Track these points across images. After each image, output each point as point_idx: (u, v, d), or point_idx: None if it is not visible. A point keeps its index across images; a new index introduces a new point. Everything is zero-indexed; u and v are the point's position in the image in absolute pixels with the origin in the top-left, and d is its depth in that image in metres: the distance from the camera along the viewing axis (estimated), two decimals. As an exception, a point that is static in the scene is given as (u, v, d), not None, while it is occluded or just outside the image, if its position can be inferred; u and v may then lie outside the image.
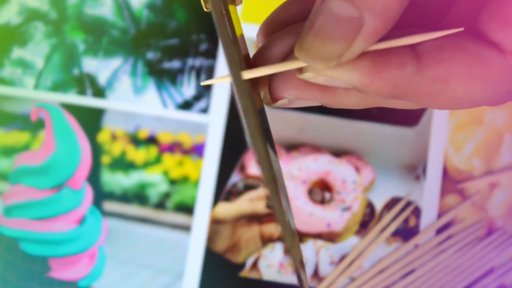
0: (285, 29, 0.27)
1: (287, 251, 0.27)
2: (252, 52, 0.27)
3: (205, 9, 0.26)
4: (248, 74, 0.24)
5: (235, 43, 0.23)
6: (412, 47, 0.24)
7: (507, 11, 0.24)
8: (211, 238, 0.54)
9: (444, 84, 0.24)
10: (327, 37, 0.22)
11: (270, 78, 0.26)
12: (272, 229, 0.54)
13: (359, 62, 0.23)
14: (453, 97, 0.25)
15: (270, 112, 0.56)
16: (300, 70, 0.24)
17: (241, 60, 0.24)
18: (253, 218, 0.54)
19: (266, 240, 0.54)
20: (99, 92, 0.56)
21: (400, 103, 0.27)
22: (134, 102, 0.56)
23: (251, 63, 0.27)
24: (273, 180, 0.23)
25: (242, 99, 0.23)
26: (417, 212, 0.54)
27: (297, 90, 0.25)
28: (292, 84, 0.25)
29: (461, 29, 0.24)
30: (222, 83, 0.56)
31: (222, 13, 0.22)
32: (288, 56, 0.25)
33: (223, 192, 0.55)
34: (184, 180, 0.55)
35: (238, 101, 0.23)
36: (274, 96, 0.25)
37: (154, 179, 0.55)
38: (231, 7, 0.26)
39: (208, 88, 0.56)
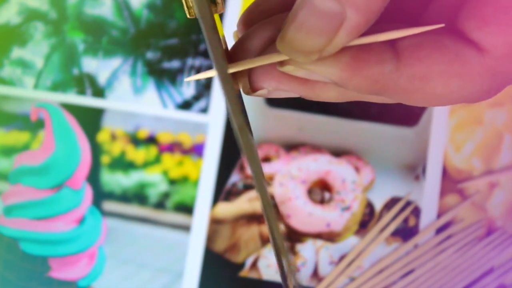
0: (265, 20, 0.27)
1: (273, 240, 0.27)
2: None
3: (188, 16, 0.26)
4: (232, 69, 0.24)
5: (219, 40, 0.23)
6: (392, 44, 0.24)
7: (485, 10, 0.24)
8: (211, 238, 0.54)
9: (422, 82, 0.24)
10: (309, 31, 0.22)
11: (250, 69, 0.26)
12: (271, 229, 0.54)
13: (339, 58, 0.23)
14: (432, 95, 0.25)
15: (270, 112, 0.56)
16: (281, 63, 0.24)
17: (224, 55, 0.24)
18: (253, 218, 0.54)
19: (266, 240, 0.54)
20: (99, 92, 0.56)
21: (378, 98, 0.27)
22: (134, 102, 0.56)
23: (230, 55, 0.27)
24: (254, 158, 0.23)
25: (227, 90, 0.23)
26: (416, 212, 0.54)
27: (276, 81, 0.25)
28: (272, 75, 0.25)
29: (442, 25, 0.24)
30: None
31: (208, 13, 0.22)
32: (268, 48, 0.25)
33: (222, 192, 0.55)
34: (184, 180, 0.55)
35: (223, 92, 0.23)
36: (254, 86, 0.25)
37: (154, 179, 0.55)
38: (215, 15, 0.26)
39: (208, 88, 0.56)
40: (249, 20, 0.27)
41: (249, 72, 0.26)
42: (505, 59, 0.25)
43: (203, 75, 0.26)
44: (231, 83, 0.23)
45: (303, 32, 0.22)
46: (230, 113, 0.23)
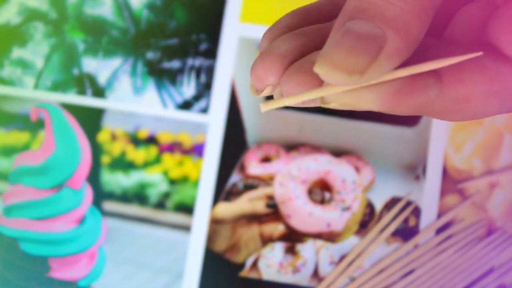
0: (290, 32, 0.26)
1: None
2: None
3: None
4: (265, 107, 0.24)
5: None
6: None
7: None
8: (211, 238, 0.54)
9: (465, 104, 0.24)
10: (351, 50, 0.22)
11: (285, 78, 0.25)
12: (271, 228, 0.54)
13: (382, 88, 0.23)
14: (472, 114, 0.25)
15: (270, 112, 0.56)
16: (323, 99, 0.24)
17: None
18: (253, 218, 0.54)
19: (266, 240, 0.54)
20: (99, 92, 0.56)
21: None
22: (134, 102, 0.56)
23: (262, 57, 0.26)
24: None
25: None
26: (417, 212, 0.54)
27: (351, 98, 0.24)
28: (304, 83, 0.24)
29: (480, 53, 0.24)
30: (222, 83, 0.56)
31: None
32: (300, 63, 0.25)
33: (223, 192, 0.55)
34: (184, 180, 0.55)
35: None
36: (327, 100, 0.25)
37: (154, 179, 0.55)
38: None
39: (208, 88, 0.56)
40: (272, 36, 0.27)
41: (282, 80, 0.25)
42: None
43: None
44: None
45: (345, 52, 0.22)
46: None
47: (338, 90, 0.23)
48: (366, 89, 0.23)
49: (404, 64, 0.23)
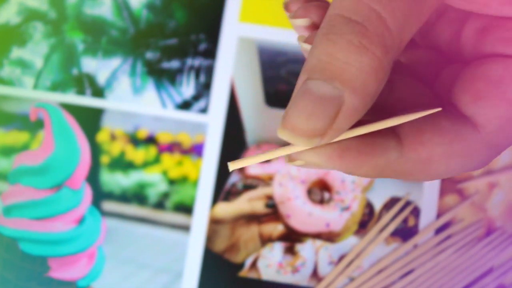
0: None
1: None
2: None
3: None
4: (233, 166, 0.25)
5: None
6: (393, 130, 0.25)
7: (478, 85, 0.25)
8: (210, 238, 0.54)
9: (426, 165, 0.25)
10: (310, 115, 0.23)
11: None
12: (271, 229, 0.54)
13: (345, 152, 0.24)
14: (434, 175, 0.26)
15: (269, 112, 0.56)
16: (290, 157, 0.25)
17: None
18: (252, 218, 0.54)
19: (265, 240, 0.54)
20: (98, 92, 0.56)
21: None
22: (133, 102, 0.56)
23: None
24: None
25: None
26: (416, 212, 0.54)
27: (315, 157, 0.25)
28: (312, 150, 0.25)
29: (439, 109, 0.25)
30: (221, 83, 0.56)
31: None
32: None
33: (222, 192, 0.55)
34: (183, 180, 0.55)
35: None
36: (291, 156, 0.26)
37: (153, 179, 0.55)
38: None
39: (207, 88, 0.56)
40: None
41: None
42: (500, 132, 0.25)
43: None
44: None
45: (304, 116, 0.23)
46: None
47: (299, 150, 0.24)
48: (328, 151, 0.24)
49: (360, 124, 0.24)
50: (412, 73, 0.30)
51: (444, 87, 0.28)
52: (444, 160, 0.25)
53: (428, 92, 0.29)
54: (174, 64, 0.57)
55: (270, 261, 0.53)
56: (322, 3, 0.29)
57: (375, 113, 0.27)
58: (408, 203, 0.54)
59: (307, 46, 0.27)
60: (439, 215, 0.54)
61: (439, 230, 0.54)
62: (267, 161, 0.56)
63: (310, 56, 0.23)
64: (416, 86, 0.29)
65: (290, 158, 0.25)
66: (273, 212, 0.54)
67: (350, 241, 0.54)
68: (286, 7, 0.29)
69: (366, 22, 0.23)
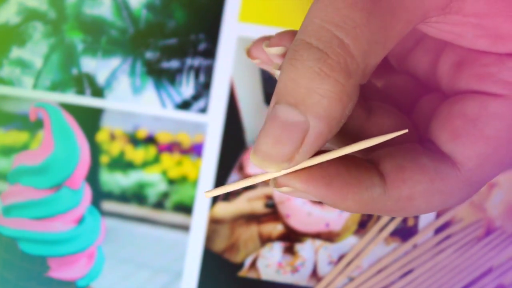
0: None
1: None
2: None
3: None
4: (209, 194, 0.26)
5: None
6: (377, 167, 0.26)
7: (455, 123, 0.26)
8: (210, 237, 0.54)
9: (407, 202, 0.26)
10: (276, 141, 0.24)
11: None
12: (270, 228, 0.54)
13: (333, 180, 0.25)
14: (416, 211, 0.26)
15: (266, 111, 0.56)
16: (277, 183, 0.26)
17: None
18: (252, 218, 0.54)
19: (265, 240, 0.54)
20: (98, 92, 0.56)
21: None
22: (133, 101, 0.56)
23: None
24: None
25: None
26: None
27: (302, 183, 0.26)
28: (299, 177, 0.26)
29: (405, 130, 0.26)
30: (221, 83, 0.56)
31: None
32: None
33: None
34: (183, 179, 0.55)
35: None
36: (278, 182, 0.26)
37: (153, 179, 0.55)
38: None
39: (207, 88, 0.56)
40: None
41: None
42: (479, 170, 0.26)
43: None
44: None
45: (271, 142, 0.24)
46: None
47: (280, 174, 0.25)
48: (316, 178, 0.25)
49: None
50: (390, 99, 0.30)
51: (422, 117, 0.29)
52: (425, 198, 0.26)
53: (406, 119, 0.29)
54: (174, 64, 0.57)
55: (270, 261, 0.53)
56: (295, 31, 0.29)
57: (353, 138, 0.27)
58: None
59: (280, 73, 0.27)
60: (438, 215, 0.54)
61: (438, 230, 0.54)
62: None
63: (278, 81, 0.24)
64: (394, 112, 0.29)
65: (277, 184, 0.25)
66: (272, 212, 0.54)
67: (350, 241, 0.54)
68: (249, 53, 0.30)
69: (327, 49, 0.23)
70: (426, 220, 0.54)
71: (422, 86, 0.31)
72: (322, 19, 0.23)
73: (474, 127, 0.26)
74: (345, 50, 0.23)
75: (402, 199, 0.25)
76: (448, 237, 0.54)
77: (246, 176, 0.55)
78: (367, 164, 0.26)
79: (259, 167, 0.24)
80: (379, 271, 0.53)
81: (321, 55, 0.23)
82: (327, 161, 0.25)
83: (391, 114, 0.29)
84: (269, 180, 0.26)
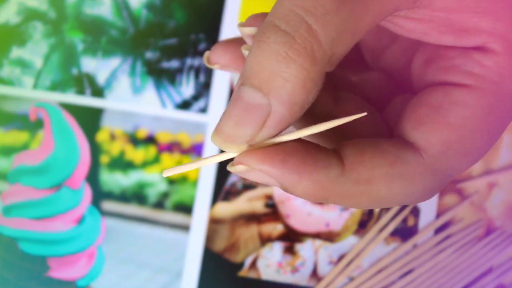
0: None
1: None
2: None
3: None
4: (166, 173, 0.26)
5: None
6: (336, 150, 0.26)
7: (420, 111, 0.26)
8: (210, 237, 0.54)
9: (367, 185, 0.25)
10: (238, 122, 0.24)
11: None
12: (270, 228, 0.54)
13: (288, 157, 0.25)
14: (376, 197, 0.26)
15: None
16: (233, 163, 0.26)
17: None
18: (252, 218, 0.54)
19: (265, 240, 0.54)
20: (98, 92, 0.56)
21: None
22: (133, 101, 0.56)
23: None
24: None
25: None
26: (415, 211, 0.54)
27: (257, 161, 0.26)
28: (254, 155, 0.25)
29: (364, 113, 0.26)
30: (221, 83, 0.56)
31: None
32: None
33: (221, 192, 0.55)
34: (183, 179, 0.55)
35: None
36: (236, 161, 0.26)
37: (153, 179, 0.55)
38: None
39: (207, 88, 0.56)
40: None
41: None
42: (442, 157, 0.26)
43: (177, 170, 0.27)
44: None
45: (232, 123, 0.24)
46: None
47: (237, 155, 0.25)
48: (271, 154, 0.25)
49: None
50: (363, 94, 0.30)
51: (394, 116, 0.29)
52: (385, 182, 0.25)
53: (374, 111, 0.29)
54: (174, 64, 0.57)
55: (270, 260, 0.53)
56: None
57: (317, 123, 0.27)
58: (415, 208, 0.54)
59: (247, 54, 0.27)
60: (438, 215, 0.54)
61: (438, 230, 0.54)
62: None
63: (246, 62, 0.24)
64: (362, 103, 0.29)
65: (232, 163, 0.25)
66: (272, 212, 0.54)
67: (350, 241, 0.54)
68: (208, 60, 0.30)
69: (295, 33, 0.23)
70: (426, 220, 0.54)
71: (396, 84, 0.31)
72: (292, 3, 0.23)
73: (437, 114, 0.26)
74: (313, 35, 0.23)
75: (361, 181, 0.25)
76: (448, 237, 0.54)
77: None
78: (326, 148, 0.26)
79: (220, 147, 0.24)
80: (379, 271, 0.53)
81: (288, 38, 0.23)
82: (285, 142, 0.25)
83: (360, 105, 0.29)
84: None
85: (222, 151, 0.26)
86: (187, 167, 0.26)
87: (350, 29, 0.24)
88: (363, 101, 0.29)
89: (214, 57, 0.30)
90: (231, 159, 0.26)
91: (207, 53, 0.30)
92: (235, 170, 0.25)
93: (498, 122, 0.26)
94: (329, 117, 0.28)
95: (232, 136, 0.24)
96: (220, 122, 0.24)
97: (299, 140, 0.25)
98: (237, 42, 0.30)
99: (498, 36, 0.25)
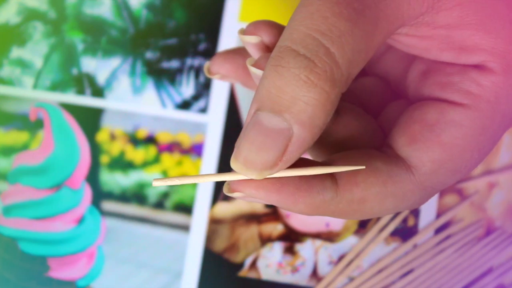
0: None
1: None
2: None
3: None
4: (156, 183, 0.26)
5: None
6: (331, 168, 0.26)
7: (413, 127, 0.26)
8: (210, 237, 0.54)
9: (360, 205, 0.26)
10: (260, 148, 0.24)
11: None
12: (270, 228, 0.54)
13: (283, 187, 0.25)
14: (369, 213, 0.26)
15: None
16: (229, 188, 0.26)
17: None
18: (252, 218, 0.54)
19: (265, 240, 0.54)
20: (98, 92, 0.56)
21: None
22: (133, 101, 0.56)
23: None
24: None
25: None
26: (415, 212, 0.54)
27: (253, 189, 0.26)
28: (250, 182, 0.26)
29: (363, 167, 0.26)
30: (221, 83, 0.56)
31: None
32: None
33: (221, 192, 0.55)
34: (183, 179, 0.55)
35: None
36: (231, 188, 0.26)
37: (153, 179, 0.55)
38: None
39: (207, 88, 0.56)
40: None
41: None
42: (432, 175, 0.26)
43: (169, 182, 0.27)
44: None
45: (254, 149, 0.24)
46: None
47: (236, 178, 0.25)
48: (266, 185, 0.25)
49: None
50: (358, 100, 0.30)
51: (387, 122, 0.29)
52: (378, 200, 0.26)
53: (373, 122, 0.29)
54: (174, 64, 0.57)
55: (270, 261, 0.53)
56: (272, 22, 0.29)
57: (321, 139, 0.28)
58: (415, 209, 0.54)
59: (255, 70, 0.27)
60: (438, 215, 0.54)
61: (438, 230, 0.54)
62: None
63: (260, 87, 0.24)
64: (361, 115, 0.29)
65: (229, 189, 0.25)
66: (272, 211, 0.54)
67: (350, 241, 0.54)
68: (208, 71, 0.30)
69: (314, 57, 0.23)
70: (426, 220, 0.54)
71: (391, 90, 0.31)
72: (308, 27, 0.23)
73: (431, 132, 0.26)
74: (332, 58, 0.23)
75: (355, 201, 0.26)
76: (448, 237, 0.54)
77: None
78: (317, 162, 0.26)
79: (240, 173, 0.24)
80: (379, 271, 0.53)
81: (308, 63, 0.23)
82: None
83: (359, 117, 0.29)
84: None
85: (220, 171, 0.26)
86: (177, 181, 0.26)
87: (363, 49, 0.24)
88: (360, 111, 0.29)
89: (215, 68, 0.31)
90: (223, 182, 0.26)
91: (207, 64, 0.31)
92: (232, 195, 0.25)
93: (489, 141, 0.26)
94: (329, 131, 0.28)
95: (254, 162, 0.24)
96: (240, 147, 0.24)
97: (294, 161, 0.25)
98: (237, 52, 0.30)
99: (497, 55, 0.25)
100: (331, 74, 0.23)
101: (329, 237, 0.54)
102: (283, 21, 0.57)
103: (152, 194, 0.55)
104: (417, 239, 0.53)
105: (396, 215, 0.54)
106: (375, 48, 0.24)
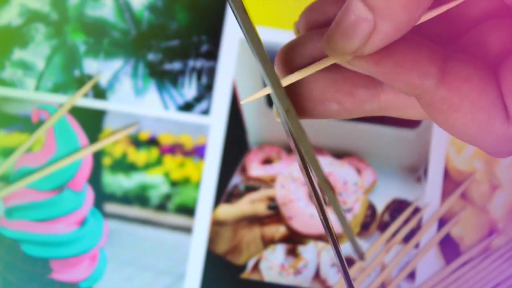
0: (318, 30, 0.29)
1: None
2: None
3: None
4: (285, 81, 0.27)
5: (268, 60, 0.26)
6: (445, 60, 0.25)
7: None
8: (212, 239, 0.54)
9: (450, 109, 0.25)
10: (344, 34, 0.24)
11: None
12: (273, 230, 0.54)
13: (387, 58, 0.25)
14: (451, 124, 0.26)
15: (271, 114, 0.56)
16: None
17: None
18: (254, 220, 0.54)
19: (267, 242, 0.54)
20: (100, 94, 0.56)
21: (408, 113, 0.28)
22: (135, 103, 0.56)
23: (285, 53, 0.29)
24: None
25: (284, 104, 0.25)
26: (416, 210, 0.54)
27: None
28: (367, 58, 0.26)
29: None
30: (223, 85, 0.56)
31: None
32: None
33: (224, 194, 0.55)
34: (185, 181, 0.55)
35: (280, 108, 0.25)
36: (351, 62, 0.27)
37: (155, 181, 0.55)
38: None
39: (209, 89, 0.56)
40: (308, 26, 0.30)
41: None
42: None
43: (259, 94, 0.28)
44: (285, 98, 0.25)
45: (340, 32, 0.25)
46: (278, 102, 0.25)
47: (327, 64, 0.26)
48: (375, 59, 0.25)
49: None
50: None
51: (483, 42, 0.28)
52: (467, 117, 0.25)
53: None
54: (176, 65, 0.57)
55: (272, 263, 0.53)
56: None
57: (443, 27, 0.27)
58: (408, 205, 0.54)
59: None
60: (440, 217, 0.54)
61: (439, 228, 0.54)
62: (269, 162, 0.55)
63: None
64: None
65: (349, 62, 0.26)
66: (275, 213, 0.54)
67: (352, 243, 0.54)
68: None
69: None
70: (428, 216, 0.54)
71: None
72: None
73: None
74: None
75: (448, 103, 0.25)
76: (448, 237, 0.54)
77: (249, 178, 0.55)
78: (436, 48, 0.25)
79: (327, 52, 0.25)
80: (381, 271, 0.53)
81: None
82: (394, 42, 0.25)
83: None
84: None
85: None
86: (301, 74, 0.26)
87: None
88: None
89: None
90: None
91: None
92: (342, 62, 0.26)
93: None
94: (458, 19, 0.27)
95: (340, 46, 0.25)
96: (330, 32, 0.25)
97: (411, 41, 0.25)
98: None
99: None
100: None
101: (331, 239, 0.54)
102: (286, 22, 0.57)
103: (155, 196, 0.55)
104: (418, 238, 0.53)
105: (405, 223, 0.54)
106: None
